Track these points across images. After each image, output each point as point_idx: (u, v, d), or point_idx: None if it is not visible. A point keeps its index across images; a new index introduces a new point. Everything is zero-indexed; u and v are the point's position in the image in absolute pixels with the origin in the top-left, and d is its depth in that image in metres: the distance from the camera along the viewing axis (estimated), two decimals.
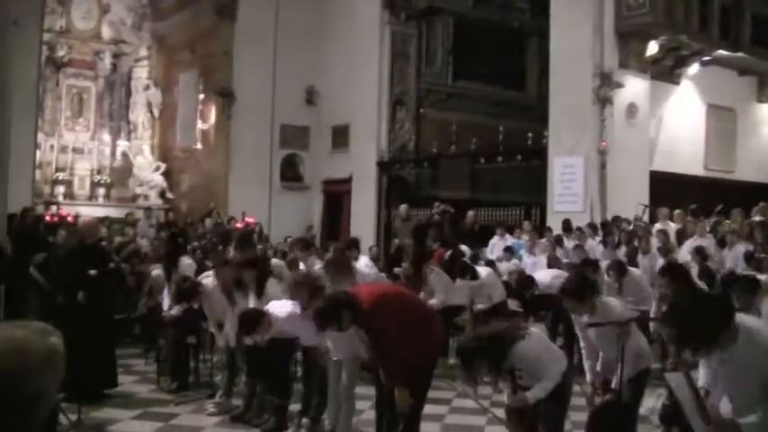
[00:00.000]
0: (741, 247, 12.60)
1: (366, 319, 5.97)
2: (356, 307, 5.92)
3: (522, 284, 11.20)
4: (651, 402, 7.48)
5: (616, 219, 15.97)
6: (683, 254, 12.97)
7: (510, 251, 14.86)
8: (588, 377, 6.23)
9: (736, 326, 3.88)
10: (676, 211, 15.91)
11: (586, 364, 6.29)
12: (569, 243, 14.65)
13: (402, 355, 5.95)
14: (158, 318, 10.45)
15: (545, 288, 11.01)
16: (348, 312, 5.90)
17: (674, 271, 7.23)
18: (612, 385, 5.85)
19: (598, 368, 6.09)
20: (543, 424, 5.64)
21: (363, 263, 11.49)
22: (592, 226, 15.54)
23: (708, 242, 13.21)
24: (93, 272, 9.04)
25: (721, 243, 13.17)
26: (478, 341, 5.43)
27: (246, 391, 8.68)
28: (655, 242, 13.71)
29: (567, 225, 15.73)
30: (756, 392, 3.93)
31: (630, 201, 16.98)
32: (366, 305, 5.97)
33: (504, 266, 13.46)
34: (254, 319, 7.52)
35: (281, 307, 7.65)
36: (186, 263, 10.86)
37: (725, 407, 4.07)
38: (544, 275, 11.61)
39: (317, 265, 10.16)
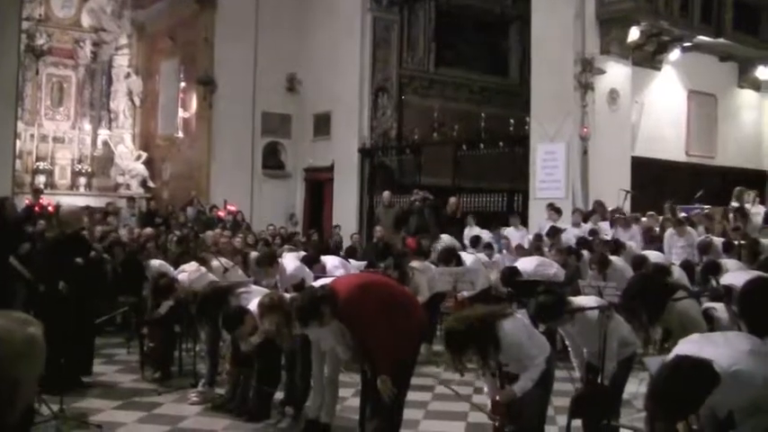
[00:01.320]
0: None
1: (346, 311, 5.94)
2: (335, 301, 5.89)
3: (505, 279, 11.17)
4: (634, 387, 7.52)
5: (599, 204, 16.02)
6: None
7: (478, 241, 14.69)
8: (578, 374, 6.25)
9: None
10: (648, 213, 15.90)
11: (575, 362, 6.32)
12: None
13: (385, 345, 5.95)
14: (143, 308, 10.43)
15: (529, 276, 11.05)
16: (327, 307, 5.86)
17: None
18: (599, 380, 5.88)
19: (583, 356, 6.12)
20: (527, 410, 5.65)
21: (332, 263, 11.45)
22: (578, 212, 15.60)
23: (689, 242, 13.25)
24: (79, 260, 9.00)
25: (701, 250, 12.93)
26: (466, 323, 5.42)
27: (230, 381, 8.66)
28: (637, 229, 13.80)
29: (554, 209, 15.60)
30: None
31: (612, 187, 17.01)
32: (345, 297, 5.95)
33: (469, 259, 12.95)
34: (236, 318, 7.54)
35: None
36: (155, 265, 10.78)
37: None
38: (527, 264, 11.65)
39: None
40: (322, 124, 23.70)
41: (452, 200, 18.28)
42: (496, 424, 5.78)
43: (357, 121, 22.72)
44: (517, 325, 5.62)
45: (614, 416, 5.95)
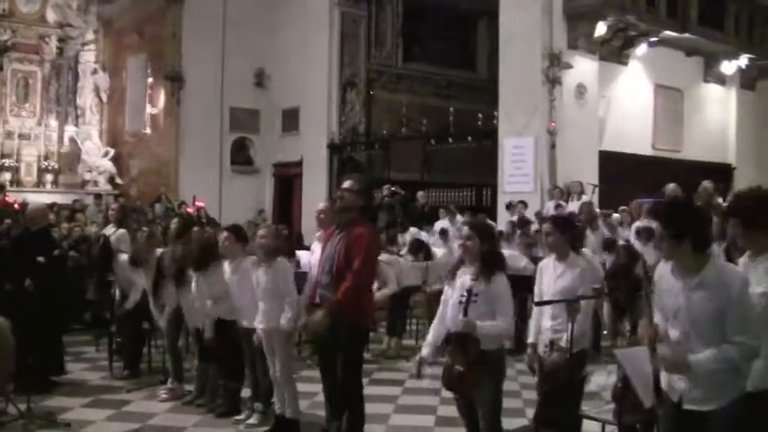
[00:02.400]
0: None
1: (367, 229, 6.58)
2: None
3: None
4: (602, 379, 7.58)
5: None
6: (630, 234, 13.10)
7: (445, 234, 14.67)
8: (530, 338, 6.29)
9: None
10: (621, 209, 16.00)
11: (531, 323, 6.36)
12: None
13: (361, 289, 6.40)
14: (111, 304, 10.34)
15: None
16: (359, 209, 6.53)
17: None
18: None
19: (547, 325, 6.15)
20: (482, 405, 5.67)
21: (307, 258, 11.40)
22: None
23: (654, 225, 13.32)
24: (41, 259, 8.92)
25: None
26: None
27: (198, 376, 8.64)
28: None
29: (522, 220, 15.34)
30: (713, 328, 4.04)
31: (579, 178, 17.10)
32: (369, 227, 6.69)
33: (439, 252, 13.06)
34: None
35: None
36: (124, 260, 10.70)
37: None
38: None
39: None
40: (290, 119, 23.65)
41: (420, 194, 18.35)
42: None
43: (325, 116, 22.70)
44: (504, 281, 5.78)
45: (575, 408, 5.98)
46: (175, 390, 8.78)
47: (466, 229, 5.99)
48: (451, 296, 5.80)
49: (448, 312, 5.83)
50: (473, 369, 5.55)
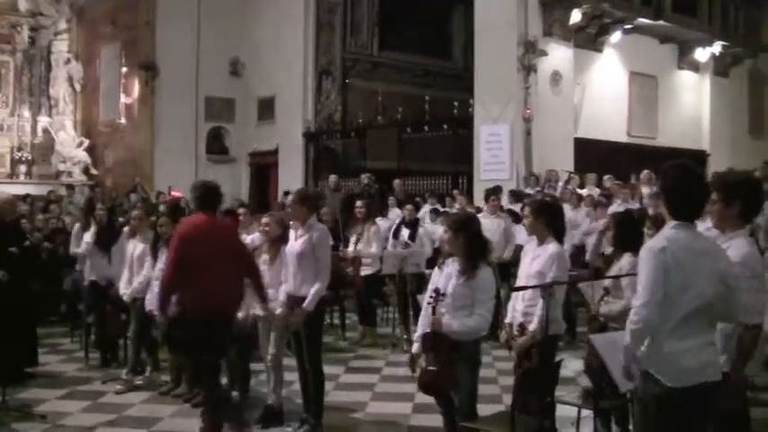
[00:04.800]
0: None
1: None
2: None
3: None
4: (578, 365, 7.62)
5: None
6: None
7: (437, 213, 14.70)
8: (507, 317, 6.33)
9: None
10: (606, 177, 16.12)
11: (509, 304, 6.40)
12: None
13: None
14: (89, 295, 10.24)
15: None
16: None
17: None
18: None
19: (519, 308, 6.19)
20: (459, 391, 5.72)
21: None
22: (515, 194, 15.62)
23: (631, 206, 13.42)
24: (13, 249, 8.86)
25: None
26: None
27: (171, 367, 8.62)
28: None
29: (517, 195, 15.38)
30: None
31: (556, 167, 17.17)
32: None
33: (438, 231, 13.28)
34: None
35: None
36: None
37: None
38: None
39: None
40: (266, 108, 23.58)
41: (397, 182, 18.36)
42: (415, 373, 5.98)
43: (301, 104, 22.67)
44: (489, 274, 5.86)
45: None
46: (129, 381, 8.78)
47: (446, 225, 6.09)
48: (439, 284, 5.86)
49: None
50: (447, 368, 5.64)
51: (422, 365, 5.85)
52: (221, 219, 8.18)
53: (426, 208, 15.97)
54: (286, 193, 20.18)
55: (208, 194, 7.10)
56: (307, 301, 6.91)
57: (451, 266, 5.84)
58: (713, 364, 4.10)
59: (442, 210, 14.68)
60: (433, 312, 5.70)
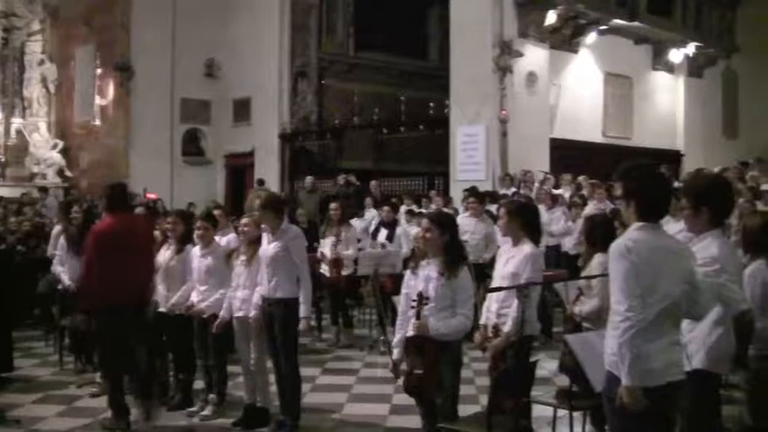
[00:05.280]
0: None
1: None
2: None
3: None
4: (555, 365, 7.65)
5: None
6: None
7: (412, 214, 14.66)
8: (482, 319, 6.35)
9: None
10: (581, 177, 16.18)
11: (484, 305, 6.43)
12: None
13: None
14: (63, 298, 10.15)
15: None
16: None
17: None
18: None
19: (493, 309, 6.22)
20: (441, 392, 5.73)
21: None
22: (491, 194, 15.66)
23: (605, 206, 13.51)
24: None
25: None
26: None
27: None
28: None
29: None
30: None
31: (532, 168, 17.20)
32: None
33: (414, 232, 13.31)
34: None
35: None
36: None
37: None
38: None
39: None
40: (242, 110, 23.55)
41: (373, 183, 18.36)
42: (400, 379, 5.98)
43: (277, 106, 22.68)
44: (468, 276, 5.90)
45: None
46: (103, 384, 8.64)
47: (425, 221, 6.07)
48: (413, 290, 5.85)
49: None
50: (432, 371, 5.66)
51: (405, 369, 5.87)
52: (133, 217, 8.73)
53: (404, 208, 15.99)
54: (261, 182, 20.21)
55: (117, 195, 7.58)
56: (303, 310, 7.11)
57: (428, 269, 5.83)
58: (677, 363, 4.15)
59: (417, 210, 14.68)
60: (418, 316, 5.70)
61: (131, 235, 7.50)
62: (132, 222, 7.94)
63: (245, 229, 7.66)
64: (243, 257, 7.60)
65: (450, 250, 5.80)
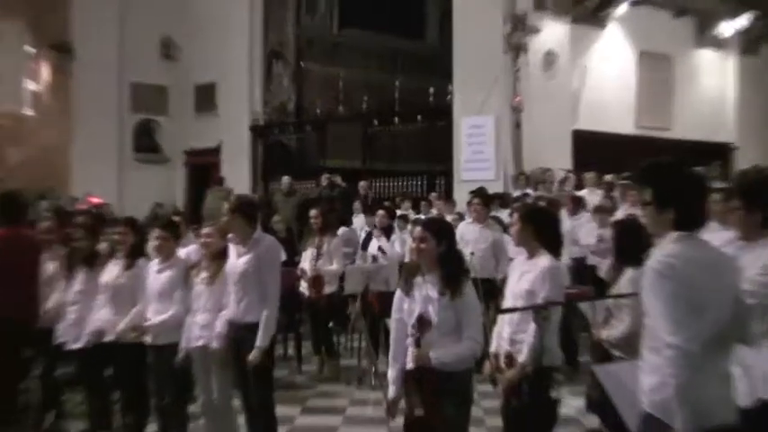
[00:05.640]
0: None
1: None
2: None
3: None
4: (582, 402, 7.63)
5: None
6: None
7: (405, 220, 14.64)
8: (492, 346, 6.30)
9: None
10: (608, 176, 16.14)
11: (495, 330, 6.37)
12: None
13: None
14: None
15: None
16: None
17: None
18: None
19: (505, 334, 6.17)
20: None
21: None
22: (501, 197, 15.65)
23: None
24: None
25: None
26: None
27: (88, 409, 8.52)
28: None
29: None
30: None
31: (551, 165, 17.20)
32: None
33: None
34: None
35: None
36: None
37: None
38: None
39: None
40: (205, 98, 23.55)
41: (362, 184, 18.32)
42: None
43: (247, 93, 22.68)
44: (473, 294, 5.86)
45: None
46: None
47: (418, 230, 5.99)
48: (408, 313, 5.81)
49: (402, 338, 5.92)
50: (434, 410, 5.60)
51: (403, 408, 5.82)
52: (23, 231, 8.65)
53: (409, 212, 16.00)
54: (220, 181, 20.17)
55: (8, 206, 7.78)
56: (260, 337, 6.97)
57: (425, 287, 5.78)
58: (731, 401, 4.06)
59: (414, 216, 14.66)
60: (417, 344, 5.66)
61: (18, 251, 7.74)
62: (20, 237, 8.15)
63: (208, 239, 7.60)
64: (204, 274, 7.54)
65: (447, 263, 5.77)
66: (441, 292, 5.69)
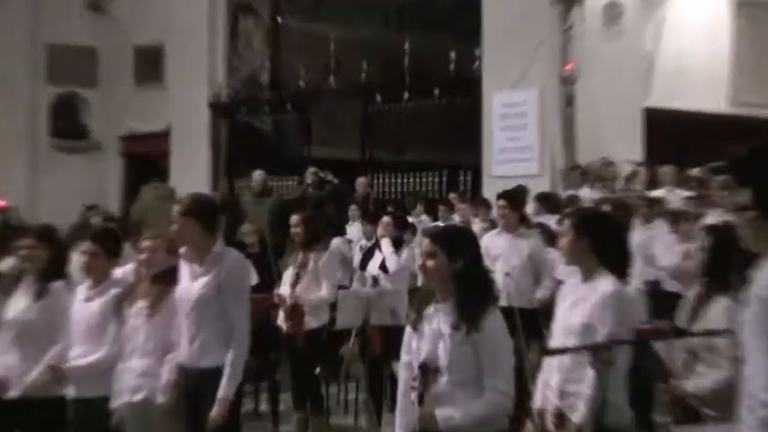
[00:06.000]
0: None
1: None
2: None
3: None
4: None
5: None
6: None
7: (413, 230, 14.60)
8: (537, 401, 6.26)
9: None
10: (694, 170, 16.11)
11: (539, 380, 6.34)
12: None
13: None
14: None
15: None
16: None
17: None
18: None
19: (553, 383, 6.12)
20: None
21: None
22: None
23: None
24: None
25: None
26: None
27: None
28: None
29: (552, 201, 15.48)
30: None
31: (615, 156, 17.18)
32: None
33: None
34: None
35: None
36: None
37: None
38: None
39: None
40: (149, 64, 23.61)
41: (361, 181, 18.28)
42: None
43: (207, 58, 22.76)
44: (499, 322, 5.68)
45: None
46: None
47: (425, 242, 5.85)
48: (417, 355, 5.72)
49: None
50: None
51: None
52: None
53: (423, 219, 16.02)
54: (159, 175, 20.19)
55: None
56: (222, 387, 6.87)
57: (436, 319, 5.68)
58: None
59: (429, 224, 14.67)
60: (420, 401, 5.58)
61: None
62: None
63: (147, 255, 7.52)
64: (142, 304, 7.47)
65: (463, 285, 5.63)
66: (454, 325, 5.54)
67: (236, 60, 22.99)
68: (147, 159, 23.83)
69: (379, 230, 12.90)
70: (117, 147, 24.34)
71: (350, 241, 15.19)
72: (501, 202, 11.87)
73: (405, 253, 12.59)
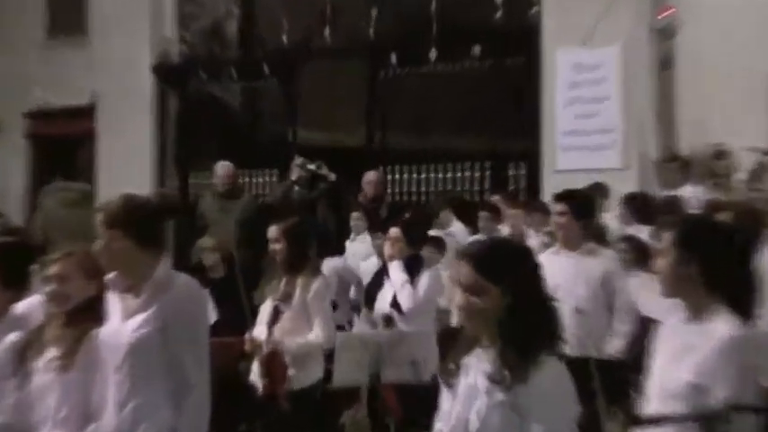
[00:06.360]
0: None
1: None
2: None
3: None
4: None
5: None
6: None
7: (439, 245, 14.64)
8: None
9: None
10: None
11: None
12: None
13: None
14: None
15: None
16: None
17: None
18: None
19: None
20: None
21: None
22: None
23: None
24: None
25: None
26: None
27: None
28: None
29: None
30: None
31: (732, 142, 17.07)
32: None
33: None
34: None
35: None
36: None
37: None
38: None
39: None
40: (65, 11, 23.59)
41: (369, 177, 18.23)
42: None
43: (148, 3, 22.63)
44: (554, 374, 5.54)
45: None
46: None
47: (465, 270, 5.65)
48: (449, 418, 5.69)
49: None
50: None
51: None
52: None
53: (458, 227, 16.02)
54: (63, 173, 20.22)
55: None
56: None
57: (473, 369, 5.63)
58: None
59: (470, 237, 14.68)
60: None
61: None
62: None
63: (56, 286, 7.43)
64: (53, 353, 7.41)
65: (512, 327, 5.52)
66: (493, 377, 5.46)
67: (192, 6, 22.97)
68: (62, 143, 23.85)
69: (386, 250, 12.77)
70: (21, 126, 24.37)
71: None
72: (559, 206, 11.81)
73: (424, 280, 12.42)
